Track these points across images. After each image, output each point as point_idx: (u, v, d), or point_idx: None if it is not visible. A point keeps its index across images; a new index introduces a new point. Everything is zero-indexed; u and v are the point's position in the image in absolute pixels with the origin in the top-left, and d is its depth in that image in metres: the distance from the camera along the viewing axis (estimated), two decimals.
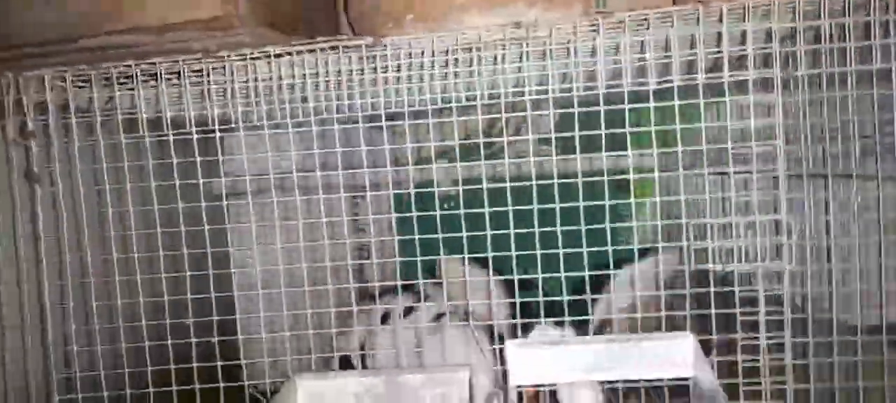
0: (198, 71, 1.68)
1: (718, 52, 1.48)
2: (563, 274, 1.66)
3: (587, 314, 1.75)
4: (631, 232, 2.56)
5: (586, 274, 1.70)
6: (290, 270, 1.77)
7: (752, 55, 1.45)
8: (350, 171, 1.70)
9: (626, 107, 1.53)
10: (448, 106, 1.77)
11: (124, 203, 1.69)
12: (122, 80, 1.67)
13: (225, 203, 1.99)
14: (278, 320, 1.81)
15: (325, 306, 1.80)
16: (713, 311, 1.57)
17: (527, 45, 1.55)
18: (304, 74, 1.66)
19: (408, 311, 2.41)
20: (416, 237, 1.73)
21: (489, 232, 1.63)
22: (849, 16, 1.40)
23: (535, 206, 1.60)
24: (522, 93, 1.59)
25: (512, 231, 1.63)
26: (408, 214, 1.88)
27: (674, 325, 1.62)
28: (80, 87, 1.69)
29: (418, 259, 1.71)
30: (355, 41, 1.59)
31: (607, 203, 1.60)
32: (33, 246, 1.76)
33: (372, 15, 1.72)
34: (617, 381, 1.62)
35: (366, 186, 1.68)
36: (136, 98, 1.67)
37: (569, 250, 1.63)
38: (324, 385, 1.62)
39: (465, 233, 1.64)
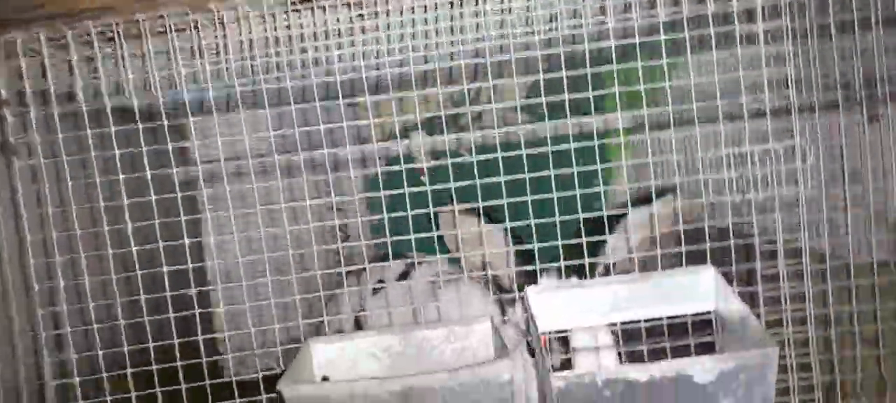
0: (183, 29, 1.58)
1: None
2: (576, 216, 1.62)
3: (597, 259, 1.72)
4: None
5: (605, 213, 1.67)
6: (268, 253, 1.67)
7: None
8: (331, 151, 1.62)
9: (637, 40, 1.49)
10: (431, 67, 1.69)
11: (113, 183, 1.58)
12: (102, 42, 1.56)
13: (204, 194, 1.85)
14: (257, 308, 1.72)
15: (307, 288, 1.72)
16: (732, 242, 1.56)
17: None
18: (305, 32, 1.57)
19: (401, 277, 2.35)
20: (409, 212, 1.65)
21: (478, 182, 1.57)
22: None
23: (550, 148, 1.56)
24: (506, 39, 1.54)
25: (501, 178, 1.58)
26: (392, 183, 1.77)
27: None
28: (55, 51, 1.58)
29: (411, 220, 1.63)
30: None
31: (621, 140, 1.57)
32: (14, 224, 1.64)
33: None
34: (638, 321, 1.59)
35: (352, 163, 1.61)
36: (119, 63, 1.56)
37: (572, 192, 1.58)
38: (338, 347, 1.56)
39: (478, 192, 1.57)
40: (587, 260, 1.62)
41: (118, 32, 1.53)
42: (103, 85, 1.57)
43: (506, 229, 1.66)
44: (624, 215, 1.77)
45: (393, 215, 1.64)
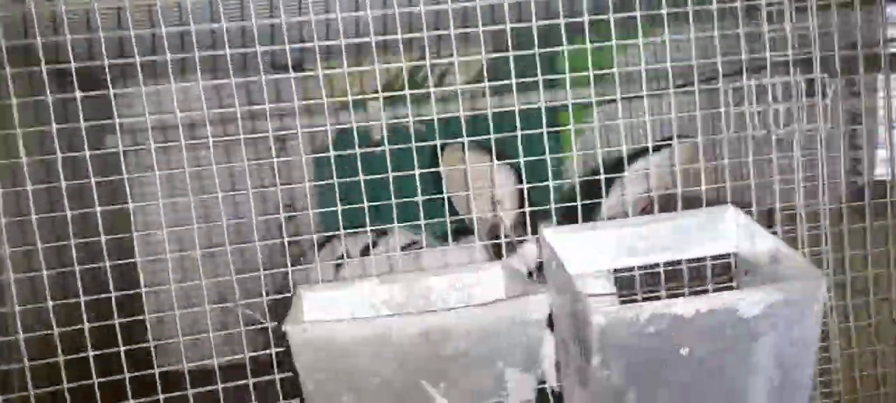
0: None
1: None
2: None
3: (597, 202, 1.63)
4: None
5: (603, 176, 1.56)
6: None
7: None
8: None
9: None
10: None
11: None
12: None
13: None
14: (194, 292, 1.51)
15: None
16: (753, 182, 1.48)
17: None
18: None
19: (364, 252, 2.18)
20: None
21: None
22: None
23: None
24: None
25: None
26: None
27: None
28: None
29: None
30: None
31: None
32: None
33: None
34: (657, 266, 1.49)
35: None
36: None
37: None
38: (334, 296, 1.38)
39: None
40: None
41: None
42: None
43: (517, 168, 1.52)
44: (620, 176, 1.68)
45: (345, 180, 1.47)
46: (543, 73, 1.42)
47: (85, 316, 1.36)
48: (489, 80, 1.43)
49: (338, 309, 1.38)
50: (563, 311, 1.32)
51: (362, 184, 1.41)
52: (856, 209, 1.55)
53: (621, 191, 1.68)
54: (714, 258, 1.51)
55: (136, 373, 1.39)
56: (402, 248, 1.73)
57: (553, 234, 1.44)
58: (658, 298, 1.51)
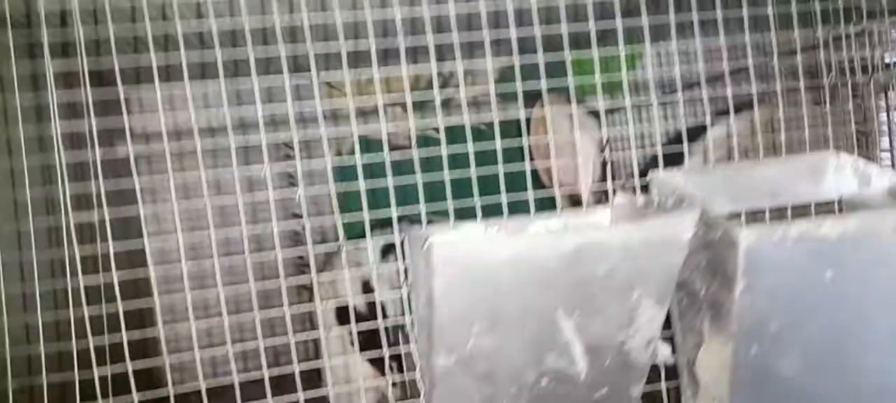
0: None
1: None
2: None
3: None
4: None
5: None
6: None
7: None
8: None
9: None
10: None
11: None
12: None
13: None
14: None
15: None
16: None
17: None
18: None
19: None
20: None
21: None
22: None
23: None
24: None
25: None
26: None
27: None
28: None
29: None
30: None
31: None
32: None
33: None
34: (762, 211, 1.45)
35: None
36: None
37: None
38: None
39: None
40: None
41: None
42: None
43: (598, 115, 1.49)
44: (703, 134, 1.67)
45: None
46: None
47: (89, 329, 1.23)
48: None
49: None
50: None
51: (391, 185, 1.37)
52: None
53: (702, 156, 1.66)
54: (818, 204, 1.48)
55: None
56: None
57: (665, 176, 1.40)
58: None
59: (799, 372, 1.22)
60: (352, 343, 1.92)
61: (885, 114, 2.09)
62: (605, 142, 1.57)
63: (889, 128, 1.81)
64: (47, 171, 1.26)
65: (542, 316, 1.19)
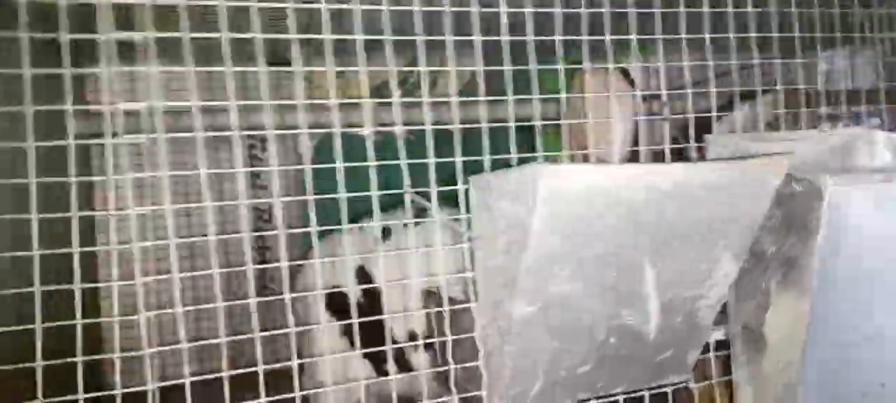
0: None
1: None
2: None
3: None
4: None
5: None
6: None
7: None
8: None
9: None
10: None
11: None
12: None
13: None
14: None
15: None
16: None
17: None
18: None
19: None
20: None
21: None
22: None
23: None
24: None
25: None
26: None
27: None
28: None
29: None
30: None
31: None
32: None
33: None
34: None
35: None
36: None
37: None
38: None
39: None
40: None
41: None
42: None
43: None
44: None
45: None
46: None
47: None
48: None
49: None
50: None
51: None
52: None
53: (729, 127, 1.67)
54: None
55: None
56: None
57: (723, 137, 1.39)
58: None
59: (878, 327, 1.21)
60: (345, 335, 1.80)
61: None
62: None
63: None
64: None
65: (628, 261, 1.14)
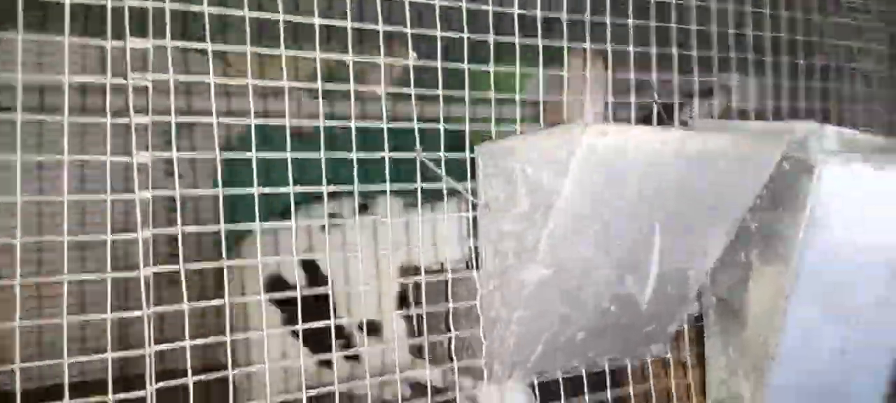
0: None
1: None
2: None
3: None
4: None
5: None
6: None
7: None
8: None
9: None
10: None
11: None
12: None
13: None
14: None
15: None
16: None
17: None
18: None
19: (362, 209, 1.91)
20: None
21: None
22: None
23: None
24: None
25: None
26: None
27: None
28: None
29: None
30: None
31: None
32: None
33: None
34: None
35: None
36: None
37: None
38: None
39: None
40: None
41: None
42: None
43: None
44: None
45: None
46: None
47: None
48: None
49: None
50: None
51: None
52: None
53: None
54: None
55: None
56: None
57: (703, 122, 1.46)
58: None
59: (863, 304, 1.30)
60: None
61: None
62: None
63: None
64: None
65: (643, 227, 1.17)
